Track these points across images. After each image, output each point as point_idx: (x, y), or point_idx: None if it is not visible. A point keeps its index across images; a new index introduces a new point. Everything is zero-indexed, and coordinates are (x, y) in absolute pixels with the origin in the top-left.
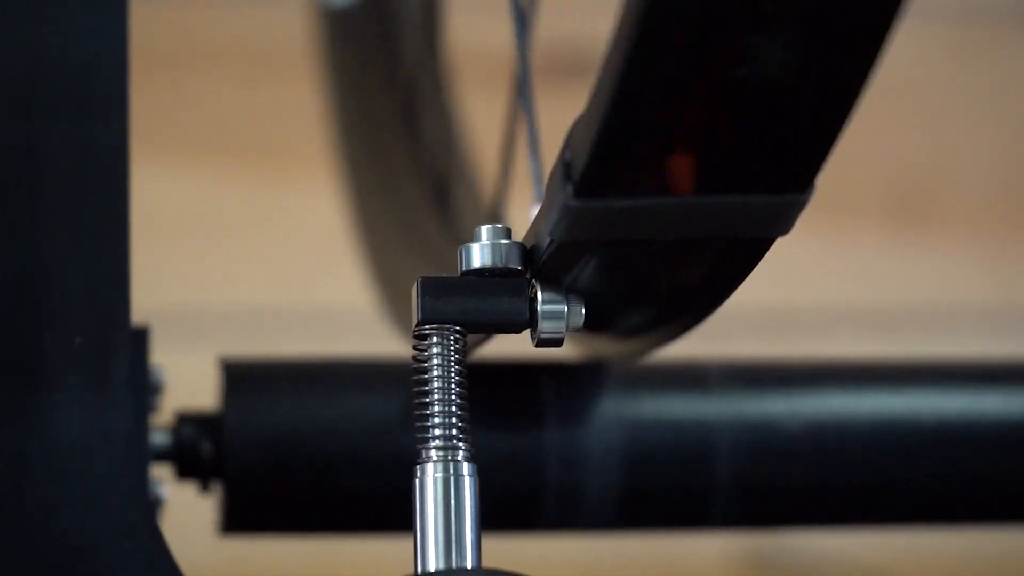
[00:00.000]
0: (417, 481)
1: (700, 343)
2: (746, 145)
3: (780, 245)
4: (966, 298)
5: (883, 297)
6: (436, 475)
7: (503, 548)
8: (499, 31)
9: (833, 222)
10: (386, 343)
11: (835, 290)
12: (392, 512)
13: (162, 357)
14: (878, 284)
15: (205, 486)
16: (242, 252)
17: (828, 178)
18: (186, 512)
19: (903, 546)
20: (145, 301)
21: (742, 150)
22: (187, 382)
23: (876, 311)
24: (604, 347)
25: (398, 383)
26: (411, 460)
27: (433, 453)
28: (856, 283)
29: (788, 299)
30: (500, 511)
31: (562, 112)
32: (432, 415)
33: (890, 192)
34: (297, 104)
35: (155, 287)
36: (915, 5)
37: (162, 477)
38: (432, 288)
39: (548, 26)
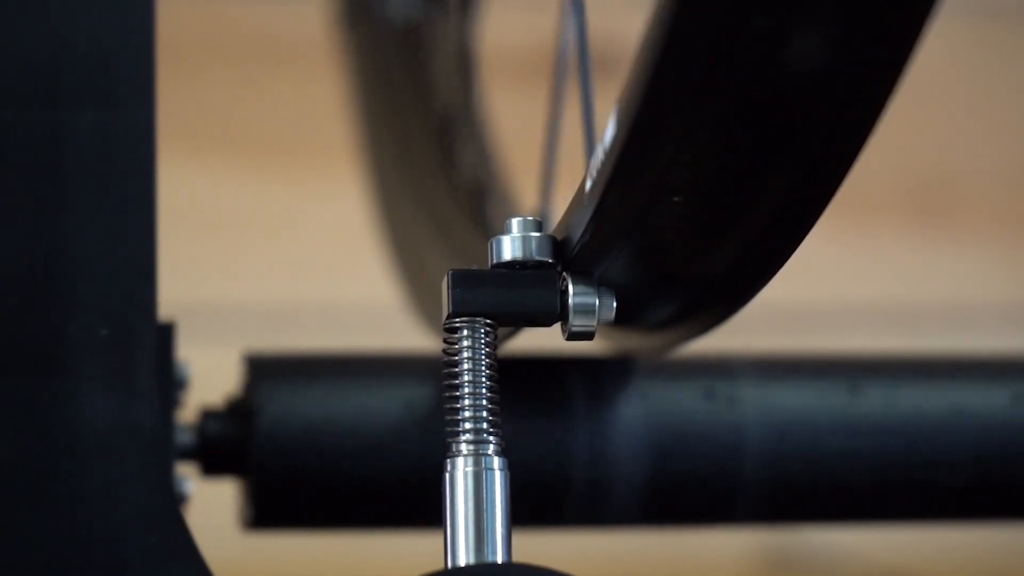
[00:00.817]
0: (447, 475)
1: (719, 339)
2: None
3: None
4: (987, 294)
5: (903, 294)
6: (466, 469)
7: (532, 544)
8: (530, 28)
9: (853, 219)
10: (411, 339)
11: (855, 287)
12: (422, 507)
13: (185, 353)
14: (898, 281)
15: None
16: (266, 249)
17: (849, 176)
18: (205, 508)
19: (924, 545)
20: (168, 297)
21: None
22: (210, 378)
23: (896, 308)
24: (632, 341)
25: (425, 377)
26: (440, 454)
27: (463, 447)
28: (876, 280)
29: (808, 296)
30: (527, 506)
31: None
32: (462, 408)
33: (910, 189)
34: (323, 101)
35: (178, 283)
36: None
37: (187, 473)
38: (463, 280)
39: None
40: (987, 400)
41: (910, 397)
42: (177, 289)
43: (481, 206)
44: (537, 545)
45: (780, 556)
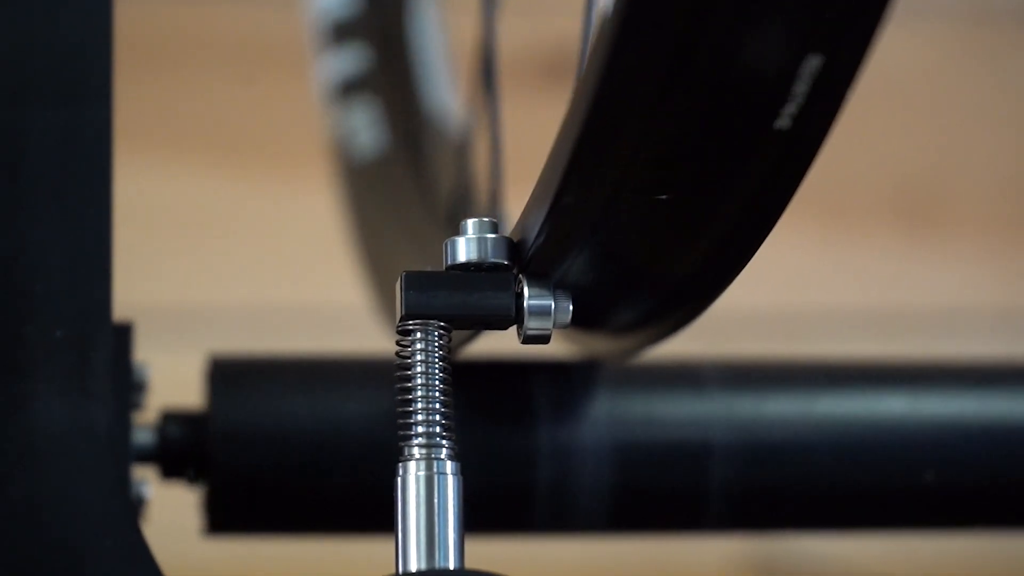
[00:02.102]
0: (399, 479)
1: (703, 345)
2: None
3: (786, 248)
4: (973, 301)
5: (889, 300)
6: (418, 473)
7: (494, 551)
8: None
9: (840, 225)
10: (377, 341)
11: (841, 293)
12: (380, 512)
13: (152, 356)
14: (884, 287)
15: (194, 479)
16: (233, 250)
17: (835, 180)
18: (171, 511)
19: (904, 551)
20: (135, 299)
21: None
22: (178, 381)
23: (882, 314)
24: (596, 345)
25: (386, 381)
26: (395, 464)
27: (415, 451)
28: (862, 286)
29: (794, 302)
30: (490, 513)
31: (554, 113)
32: (415, 412)
33: (897, 195)
34: (291, 102)
35: (146, 285)
36: (920, 7)
37: (146, 476)
38: (416, 282)
39: (542, 27)
40: (960, 404)
41: (880, 403)
42: (146, 292)
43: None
44: (518, 552)
45: (765, 563)
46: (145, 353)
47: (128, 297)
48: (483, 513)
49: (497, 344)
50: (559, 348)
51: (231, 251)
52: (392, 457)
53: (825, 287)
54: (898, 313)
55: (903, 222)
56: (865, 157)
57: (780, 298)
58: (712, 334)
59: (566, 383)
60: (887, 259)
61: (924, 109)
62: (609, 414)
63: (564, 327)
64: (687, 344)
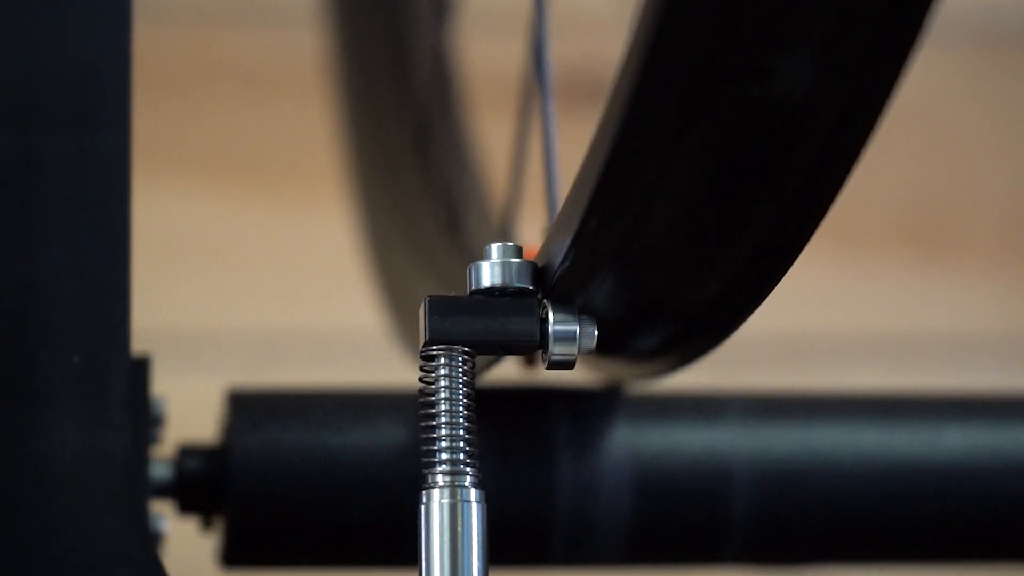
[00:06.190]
0: (423, 507)
1: (714, 371)
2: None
3: (798, 273)
4: (985, 327)
5: (900, 326)
6: (442, 501)
7: None
8: (512, 52)
9: (850, 250)
10: (395, 367)
11: (852, 319)
12: (399, 545)
13: (168, 382)
14: (895, 313)
15: (208, 522)
16: (248, 274)
17: (845, 206)
18: (188, 545)
19: None
20: (151, 324)
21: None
22: (192, 406)
23: (893, 340)
24: (618, 370)
25: (405, 413)
26: (418, 494)
27: (439, 478)
28: (873, 312)
29: (805, 328)
30: (509, 542)
31: (578, 135)
32: (439, 439)
33: (907, 220)
34: (306, 126)
35: (162, 311)
36: (932, 33)
37: (164, 511)
38: (440, 307)
39: (564, 49)
40: (983, 436)
41: (904, 434)
42: (160, 316)
43: (461, 232)
44: None
45: None
46: (159, 378)
47: (141, 321)
48: (501, 544)
49: (512, 370)
50: (578, 374)
51: (246, 275)
52: (412, 489)
53: (837, 313)
54: (910, 339)
55: (916, 248)
56: (878, 183)
57: (792, 323)
58: (722, 359)
59: (587, 411)
60: (899, 285)
61: (937, 135)
62: (629, 445)
63: (589, 352)
64: (697, 369)
